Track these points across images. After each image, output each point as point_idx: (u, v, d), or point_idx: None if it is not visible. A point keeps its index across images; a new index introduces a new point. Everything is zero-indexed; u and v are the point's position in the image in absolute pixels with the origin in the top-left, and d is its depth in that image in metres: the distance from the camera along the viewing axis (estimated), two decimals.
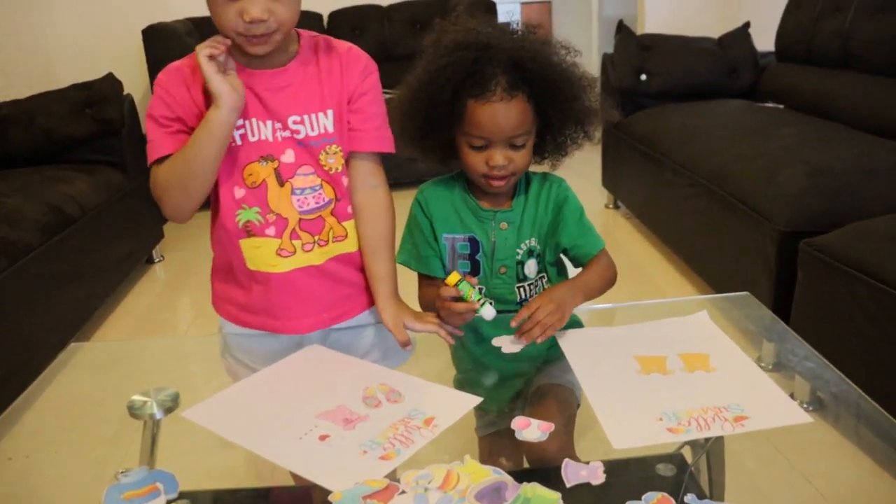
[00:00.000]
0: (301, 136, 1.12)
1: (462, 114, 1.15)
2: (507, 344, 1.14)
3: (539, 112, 1.18)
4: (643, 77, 3.39)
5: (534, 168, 1.26)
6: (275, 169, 1.12)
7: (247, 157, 1.11)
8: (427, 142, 1.21)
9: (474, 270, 1.25)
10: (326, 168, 1.14)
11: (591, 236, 1.25)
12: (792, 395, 1.02)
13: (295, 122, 1.11)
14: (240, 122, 1.08)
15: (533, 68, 1.13)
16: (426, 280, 1.28)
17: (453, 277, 1.12)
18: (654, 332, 1.16)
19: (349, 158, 1.17)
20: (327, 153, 1.14)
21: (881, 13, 2.73)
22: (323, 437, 0.90)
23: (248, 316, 1.20)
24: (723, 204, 2.38)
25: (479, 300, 1.11)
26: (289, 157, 1.12)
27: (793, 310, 1.91)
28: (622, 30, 3.57)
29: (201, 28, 4.04)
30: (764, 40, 3.46)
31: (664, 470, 0.91)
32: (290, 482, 0.91)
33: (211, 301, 1.25)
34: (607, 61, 3.60)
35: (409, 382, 1.03)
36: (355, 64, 1.15)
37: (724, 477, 0.98)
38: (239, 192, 1.12)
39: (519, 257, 1.24)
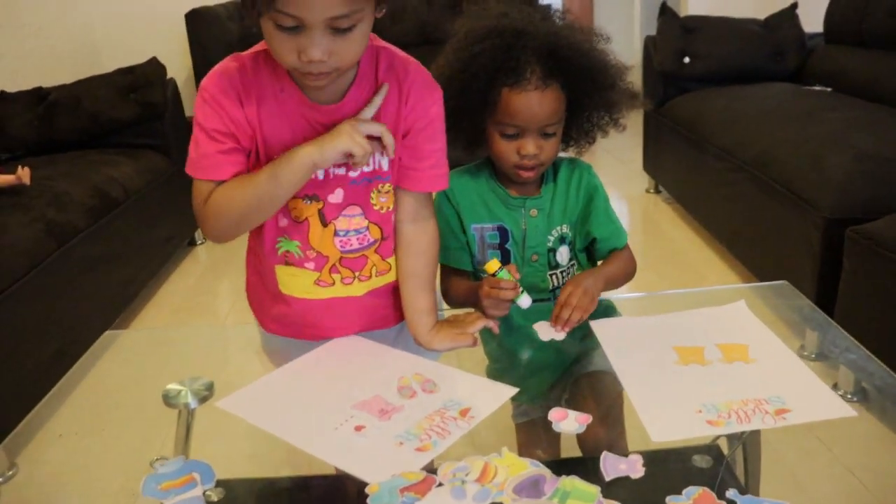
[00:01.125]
0: (356, 174, 1.04)
1: (496, 102, 1.15)
2: (544, 330, 1.14)
3: (572, 99, 1.17)
4: (686, 60, 3.33)
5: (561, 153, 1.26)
6: (319, 210, 1.05)
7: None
8: (456, 129, 1.19)
9: (504, 259, 1.24)
10: (377, 208, 1.08)
11: (616, 229, 1.26)
12: (835, 386, 1.00)
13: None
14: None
15: (568, 56, 1.13)
16: (453, 272, 1.28)
17: (493, 265, 1.11)
18: (692, 322, 1.15)
19: (397, 191, 1.09)
20: (379, 192, 1.07)
21: None
22: (359, 428, 0.90)
23: (278, 326, 1.16)
24: (766, 190, 2.34)
25: (518, 288, 1.11)
26: (337, 196, 1.05)
27: (838, 299, 1.87)
28: (665, 12, 3.51)
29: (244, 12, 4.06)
30: (812, 22, 3.37)
31: (701, 461, 0.90)
32: (326, 471, 0.90)
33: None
34: (650, 44, 3.54)
35: (444, 372, 1.03)
36: (417, 93, 1.04)
37: (760, 468, 0.97)
38: (283, 222, 1.06)
39: (550, 244, 1.24)
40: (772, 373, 0.99)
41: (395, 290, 1.15)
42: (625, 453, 0.86)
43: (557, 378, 1.17)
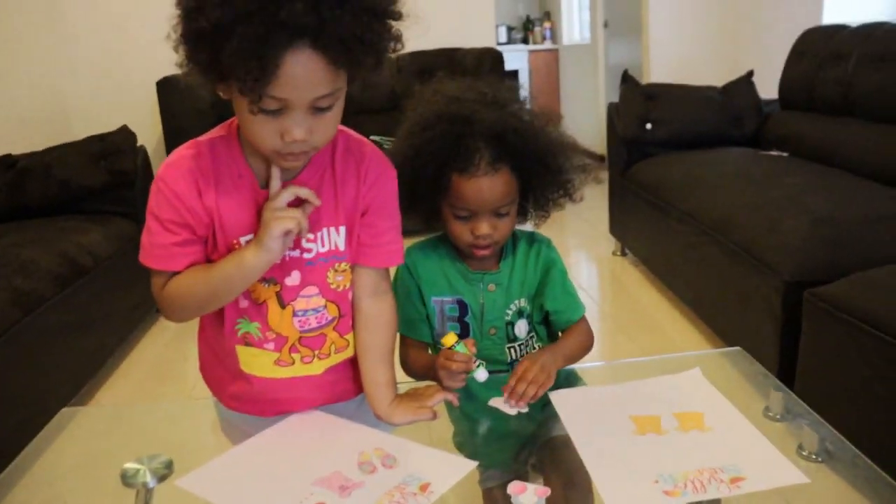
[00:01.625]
0: (311, 255, 1.06)
1: (447, 187, 1.17)
2: (502, 405, 1.15)
3: (523, 182, 1.20)
4: (648, 126, 3.42)
5: (519, 226, 1.28)
6: (277, 292, 1.06)
7: None
8: (413, 208, 1.22)
9: (463, 332, 1.26)
10: (334, 286, 1.09)
11: (573, 302, 1.27)
12: (801, 446, 1.02)
13: (308, 241, 1.04)
14: (250, 236, 1.01)
15: (515, 141, 1.15)
16: (412, 343, 1.29)
17: (450, 339, 1.13)
18: (648, 391, 1.17)
19: (355, 267, 1.10)
20: (336, 271, 1.08)
21: (882, 62, 2.76)
22: None
23: (238, 403, 1.16)
24: (728, 253, 2.39)
25: (475, 361, 1.12)
26: (294, 279, 1.06)
27: (799, 359, 1.90)
28: (627, 80, 3.62)
29: None
30: (767, 88, 3.50)
31: None
32: None
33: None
34: (613, 110, 3.64)
35: (404, 447, 1.03)
36: (374, 174, 1.06)
37: None
38: (243, 303, 1.07)
39: (508, 318, 1.26)
40: (727, 441, 1.01)
41: (353, 364, 1.16)
42: None
43: (523, 443, 1.18)
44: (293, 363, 1.11)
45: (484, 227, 1.18)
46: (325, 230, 1.05)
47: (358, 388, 1.16)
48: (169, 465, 1.04)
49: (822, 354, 1.82)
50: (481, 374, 1.14)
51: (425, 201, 1.21)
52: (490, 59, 4.44)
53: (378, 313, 1.13)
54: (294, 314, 1.07)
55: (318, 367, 1.12)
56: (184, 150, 1.01)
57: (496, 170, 1.15)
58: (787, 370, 1.94)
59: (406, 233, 1.15)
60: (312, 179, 1.03)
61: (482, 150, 1.15)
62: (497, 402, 1.15)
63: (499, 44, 7.06)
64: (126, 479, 1.02)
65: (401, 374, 1.22)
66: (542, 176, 1.20)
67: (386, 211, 1.09)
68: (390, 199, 1.09)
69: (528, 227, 1.32)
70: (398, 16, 0.90)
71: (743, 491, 0.90)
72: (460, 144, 1.15)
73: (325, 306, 1.09)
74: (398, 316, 1.19)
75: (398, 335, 1.21)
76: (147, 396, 2.64)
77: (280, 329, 1.08)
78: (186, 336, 3.20)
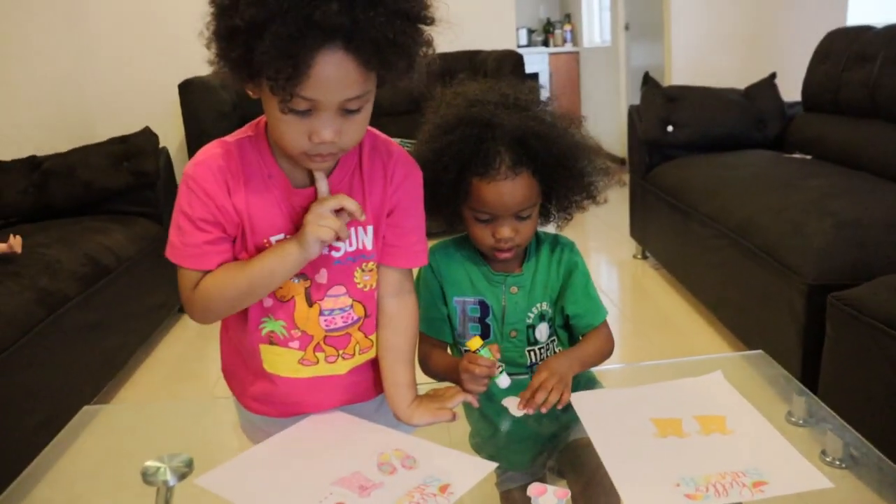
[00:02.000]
0: (339, 255, 1.06)
1: (468, 191, 1.17)
2: (513, 406, 1.14)
3: (544, 184, 1.20)
4: (670, 128, 3.40)
5: (541, 227, 1.28)
6: (306, 288, 1.06)
7: None
8: (434, 211, 1.21)
9: (484, 334, 1.26)
10: (361, 286, 1.09)
11: (594, 306, 1.26)
12: (824, 452, 1.01)
13: (335, 239, 1.02)
14: (281, 235, 1.02)
15: (536, 145, 1.15)
16: (432, 343, 1.29)
17: (476, 342, 1.13)
18: (669, 394, 1.16)
19: (380, 267, 1.11)
20: (363, 270, 1.08)
21: None
22: None
23: (259, 405, 1.15)
24: (750, 256, 2.37)
25: (498, 367, 1.12)
26: (322, 277, 1.06)
27: (822, 364, 1.88)
28: (648, 82, 3.61)
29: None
30: (790, 91, 3.47)
31: None
32: None
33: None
34: (634, 113, 3.62)
35: (423, 448, 1.03)
36: (400, 174, 1.07)
37: None
38: (267, 302, 1.07)
39: (530, 321, 1.25)
40: (749, 444, 1.00)
41: (375, 364, 1.16)
42: None
43: (542, 446, 1.17)
44: (317, 362, 1.11)
45: (505, 231, 1.18)
46: (352, 230, 1.05)
47: (379, 388, 1.16)
48: (189, 464, 1.04)
49: (845, 359, 1.79)
50: (504, 381, 1.13)
51: (447, 204, 1.20)
52: (510, 62, 4.43)
53: (400, 313, 1.13)
54: (321, 313, 1.08)
55: (342, 367, 1.12)
56: (212, 149, 1.01)
57: (517, 173, 1.15)
58: (810, 375, 1.92)
59: (429, 234, 1.15)
60: (342, 181, 1.03)
61: (503, 154, 1.14)
62: (509, 402, 1.15)
63: (519, 46, 7.06)
64: (146, 477, 1.03)
65: (420, 374, 1.22)
66: (563, 179, 1.20)
67: (411, 211, 1.09)
68: (416, 199, 1.10)
69: (550, 229, 1.31)
70: (430, 21, 0.90)
71: (766, 495, 0.89)
72: (480, 148, 1.14)
73: (352, 306, 1.09)
74: (421, 313, 1.19)
75: (419, 334, 1.21)
76: (169, 395, 2.66)
77: (306, 327, 1.08)
78: (208, 336, 3.23)
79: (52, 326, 2.18)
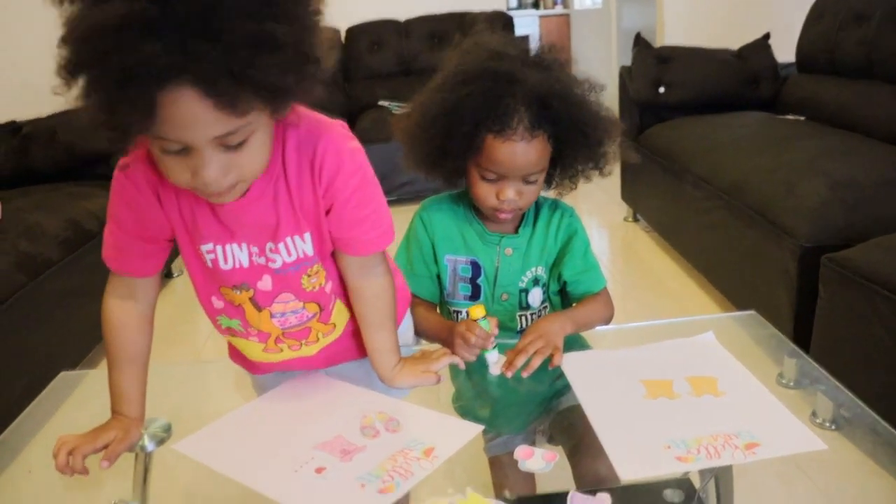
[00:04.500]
0: (277, 265, 0.98)
1: (479, 147, 1.12)
2: (493, 364, 1.11)
3: (558, 149, 1.15)
4: (661, 89, 3.35)
5: (542, 193, 1.24)
6: (250, 298, 1.00)
7: (221, 281, 1.00)
8: (437, 166, 1.17)
9: (475, 295, 1.23)
10: (309, 289, 1.02)
11: (593, 273, 1.23)
12: (814, 414, 0.99)
13: (271, 251, 0.96)
14: (210, 246, 0.96)
15: (558, 107, 1.10)
16: (418, 301, 1.25)
17: (479, 311, 1.10)
18: (660, 355, 1.13)
19: (337, 253, 1.03)
20: (308, 276, 1.01)
21: None
22: (319, 470, 0.88)
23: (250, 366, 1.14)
24: (742, 217, 2.35)
25: (493, 342, 1.09)
26: (266, 283, 0.99)
27: (815, 326, 1.87)
28: (639, 42, 3.55)
29: None
30: (784, 51, 3.42)
31: (672, 496, 0.89)
32: None
33: None
34: (625, 74, 3.57)
35: (407, 410, 1.01)
36: (329, 170, 0.94)
37: (734, 500, 0.96)
38: (217, 304, 1.02)
39: (523, 285, 1.22)
40: (741, 406, 0.98)
41: (354, 333, 1.12)
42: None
43: (532, 411, 1.15)
44: (281, 351, 1.08)
45: (510, 193, 1.13)
46: (288, 239, 0.96)
47: (362, 350, 1.12)
48: (167, 429, 1.02)
49: (839, 321, 1.78)
50: (493, 357, 1.11)
51: (452, 159, 1.15)
52: (500, 24, 4.36)
53: (367, 287, 1.05)
54: (272, 315, 1.02)
55: (308, 351, 1.09)
56: (139, 156, 0.92)
57: (533, 136, 1.10)
58: (802, 337, 1.91)
59: (427, 191, 1.10)
60: (265, 192, 0.93)
61: (522, 113, 1.09)
62: (491, 357, 1.12)
63: (509, 9, 6.95)
64: None
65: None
66: (578, 147, 1.15)
67: (353, 202, 0.97)
68: (357, 189, 0.97)
69: (550, 195, 1.27)
70: (290, 45, 0.74)
71: (758, 457, 0.87)
72: (500, 104, 1.09)
73: (304, 307, 1.03)
74: (407, 267, 1.18)
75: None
76: (155, 359, 2.63)
77: (260, 327, 1.04)
78: (195, 301, 3.19)
79: (35, 291, 2.15)
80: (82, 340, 2.44)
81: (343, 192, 0.96)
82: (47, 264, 2.26)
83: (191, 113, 0.74)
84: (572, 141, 1.14)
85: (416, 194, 3.34)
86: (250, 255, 0.97)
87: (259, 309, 1.01)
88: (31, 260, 2.19)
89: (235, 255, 0.97)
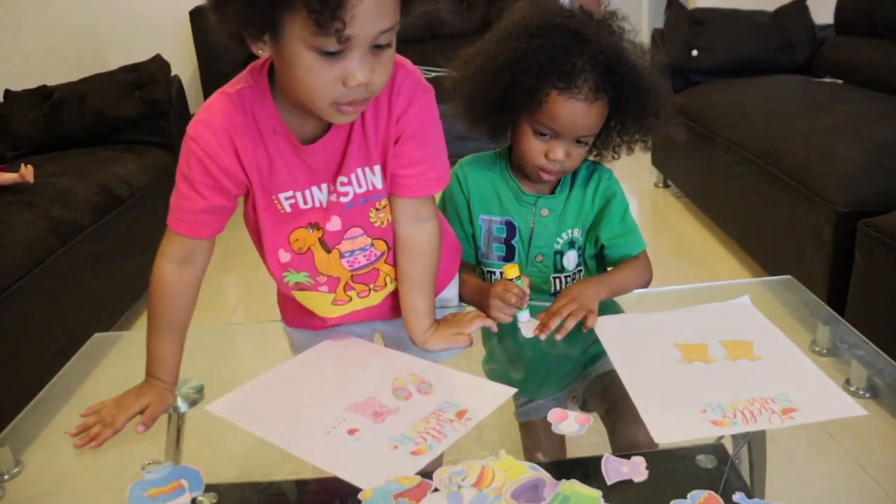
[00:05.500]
0: (349, 199, 1.00)
1: (541, 101, 1.10)
2: (527, 328, 1.11)
3: (613, 114, 1.14)
4: (694, 53, 3.29)
5: None
6: (319, 238, 1.02)
7: (295, 222, 1.01)
8: (488, 117, 1.16)
9: (509, 255, 1.21)
10: (377, 224, 1.04)
11: (632, 236, 1.21)
12: (847, 382, 0.97)
13: (342, 184, 0.99)
14: (289, 192, 0.98)
15: (624, 73, 1.08)
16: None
17: (513, 270, 1.09)
18: (695, 319, 1.12)
19: (391, 196, 1.04)
20: (377, 209, 1.03)
21: None
22: (352, 432, 0.88)
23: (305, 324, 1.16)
24: (777, 183, 2.30)
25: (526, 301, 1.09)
26: (334, 224, 1.01)
27: (850, 293, 1.84)
28: (673, 4, 3.47)
29: None
30: (822, 13, 3.33)
31: (705, 462, 0.88)
32: (320, 475, 0.87)
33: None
34: (657, 36, 3.50)
35: (440, 373, 1.01)
36: (405, 100, 0.97)
37: (766, 467, 0.95)
38: (284, 257, 1.03)
39: (558, 247, 1.21)
40: (778, 370, 0.97)
41: None
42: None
43: (564, 377, 1.14)
44: (350, 300, 1.08)
45: (559, 152, 1.12)
46: (358, 171, 0.99)
47: None
48: (200, 391, 1.03)
49: (875, 287, 1.75)
50: (524, 317, 1.10)
51: (509, 111, 1.13)
52: None
53: (417, 240, 1.07)
54: (341, 256, 1.04)
55: (376, 298, 1.10)
56: (215, 104, 0.94)
57: (596, 98, 1.09)
58: (836, 304, 1.87)
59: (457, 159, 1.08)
60: (340, 133, 0.96)
61: (588, 73, 1.07)
62: (523, 322, 1.12)
63: None
64: None
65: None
66: (634, 117, 1.13)
67: (419, 138, 0.99)
68: (425, 126, 1.00)
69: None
70: None
71: (796, 422, 0.85)
72: (568, 61, 1.07)
73: (372, 244, 1.05)
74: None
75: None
76: None
77: (329, 271, 1.05)
78: (225, 265, 3.21)
79: (66, 256, 2.17)
80: (115, 304, 2.47)
81: (411, 125, 0.98)
82: (78, 229, 2.28)
83: (377, 1, 0.79)
84: (630, 108, 1.13)
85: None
86: (326, 193, 0.99)
87: (328, 250, 1.03)
88: (64, 225, 2.21)
89: (313, 196, 0.99)
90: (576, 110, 1.09)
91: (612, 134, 1.18)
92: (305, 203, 0.99)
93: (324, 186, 0.99)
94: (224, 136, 0.92)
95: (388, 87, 0.95)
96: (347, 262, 1.04)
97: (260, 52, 0.85)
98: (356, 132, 0.97)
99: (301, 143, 0.95)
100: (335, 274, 1.05)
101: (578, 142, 1.12)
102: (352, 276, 1.06)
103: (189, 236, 0.99)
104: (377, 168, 1.00)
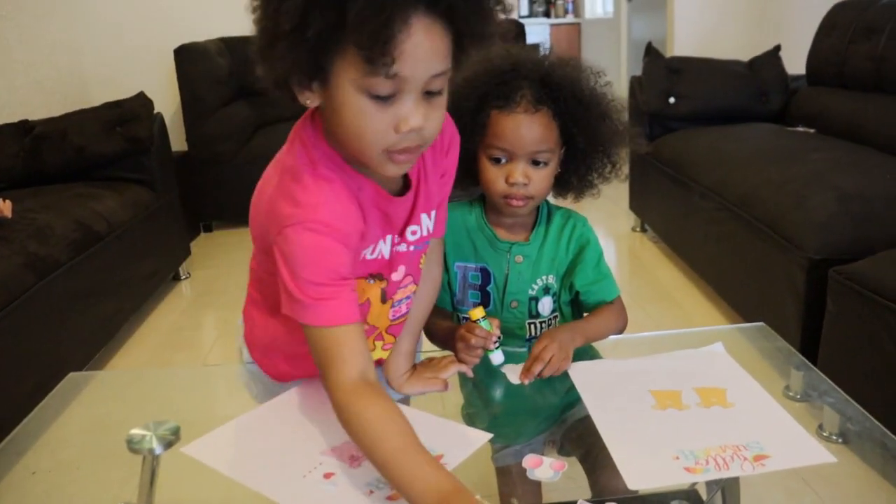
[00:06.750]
0: (412, 247, 0.99)
1: (485, 124, 1.14)
2: (512, 374, 1.11)
3: (564, 132, 1.15)
4: (672, 100, 3.36)
5: (557, 203, 1.24)
6: (382, 289, 0.99)
7: (358, 272, 0.95)
8: None
9: (484, 302, 1.22)
10: (421, 266, 1.04)
11: (606, 282, 1.22)
12: (820, 427, 0.99)
13: (412, 233, 0.97)
14: (370, 248, 0.94)
15: (561, 83, 1.12)
16: (434, 308, 1.25)
17: (478, 312, 1.10)
18: (669, 365, 1.13)
19: None
20: (426, 255, 1.04)
21: None
22: (328, 475, 0.88)
23: (287, 377, 1.11)
24: (751, 230, 2.34)
25: (495, 341, 1.09)
26: (399, 274, 1.00)
27: (822, 339, 1.86)
28: (651, 52, 3.55)
29: (232, 48, 4.08)
30: (795, 64, 3.42)
31: None
32: None
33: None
34: (635, 84, 3.57)
35: (417, 417, 0.99)
36: (453, 143, 1.00)
37: None
38: None
39: (533, 293, 1.22)
40: (750, 417, 0.98)
41: None
42: None
43: (541, 422, 1.15)
44: (374, 349, 1.06)
45: (517, 174, 1.13)
46: (423, 216, 0.98)
47: None
48: (176, 432, 1.01)
49: (846, 334, 1.77)
50: (497, 357, 1.11)
51: (462, 145, 1.13)
52: (513, 31, 4.36)
53: (426, 280, 1.08)
54: (392, 305, 1.04)
55: (387, 353, 1.10)
56: (321, 175, 0.87)
57: (536, 109, 1.12)
58: (809, 350, 1.90)
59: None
60: (419, 179, 0.96)
61: (525, 89, 1.12)
62: (508, 370, 1.12)
63: (520, 17, 6.95)
64: (132, 445, 0.99)
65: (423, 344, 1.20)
66: (583, 126, 1.15)
67: (445, 179, 1.01)
68: (453, 166, 1.03)
69: (568, 201, 1.27)
70: None
71: (767, 469, 0.86)
72: (503, 82, 1.12)
73: (413, 292, 1.06)
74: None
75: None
76: (161, 364, 2.64)
77: (375, 321, 1.03)
78: (203, 304, 3.21)
79: (43, 292, 2.15)
80: (90, 343, 2.45)
81: (451, 165, 1.00)
82: (55, 266, 2.26)
83: (428, 42, 0.77)
84: (576, 117, 1.14)
85: None
86: (393, 244, 0.96)
87: (385, 300, 1.01)
88: (41, 261, 2.19)
89: (379, 247, 0.95)
90: (518, 123, 1.11)
91: (575, 160, 1.19)
92: (372, 254, 0.95)
93: (388, 237, 0.96)
94: (349, 202, 0.88)
95: (443, 129, 0.94)
96: (393, 311, 1.04)
97: (308, 101, 0.83)
98: (421, 177, 0.97)
99: (390, 195, 0.93)
100: (378, 324, 1.04)
101: (536, 162, 1.14)
102: (389, 325, 1.06)
103: (354, 321, 0.86)
104: (433, 213, 1.00)
